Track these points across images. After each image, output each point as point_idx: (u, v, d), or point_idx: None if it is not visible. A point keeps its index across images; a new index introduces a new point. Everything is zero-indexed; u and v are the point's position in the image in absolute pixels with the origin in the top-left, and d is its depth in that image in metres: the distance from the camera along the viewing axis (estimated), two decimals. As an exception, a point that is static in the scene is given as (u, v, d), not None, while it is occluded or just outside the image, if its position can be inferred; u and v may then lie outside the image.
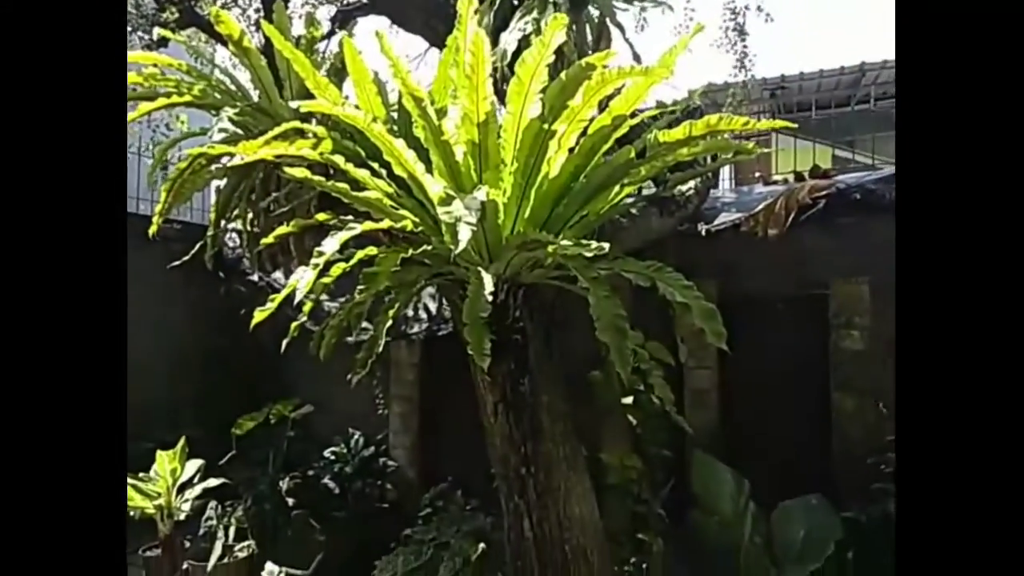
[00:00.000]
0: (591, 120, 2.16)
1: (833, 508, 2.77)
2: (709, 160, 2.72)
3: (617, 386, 4.76)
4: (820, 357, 4.53)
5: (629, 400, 4.81)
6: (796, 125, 2.08)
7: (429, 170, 2.20)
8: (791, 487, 3.69)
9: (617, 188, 2.47)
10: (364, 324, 2.52)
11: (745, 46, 4.63)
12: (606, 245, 1.84)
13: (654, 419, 4.85)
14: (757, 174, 6.76)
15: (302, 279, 2.00)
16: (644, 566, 3.58)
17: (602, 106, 2.12)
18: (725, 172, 9.23)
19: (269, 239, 2.59)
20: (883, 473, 3.74)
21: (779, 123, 2.10)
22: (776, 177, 4.49)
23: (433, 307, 5.18)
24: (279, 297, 2.16)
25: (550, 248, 2.09)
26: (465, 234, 1.69)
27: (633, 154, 2.17)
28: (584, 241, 1.94)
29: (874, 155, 5.83)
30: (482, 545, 2.89)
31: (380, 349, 2.23)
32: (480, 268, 2.15)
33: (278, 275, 5.79)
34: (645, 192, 3.74)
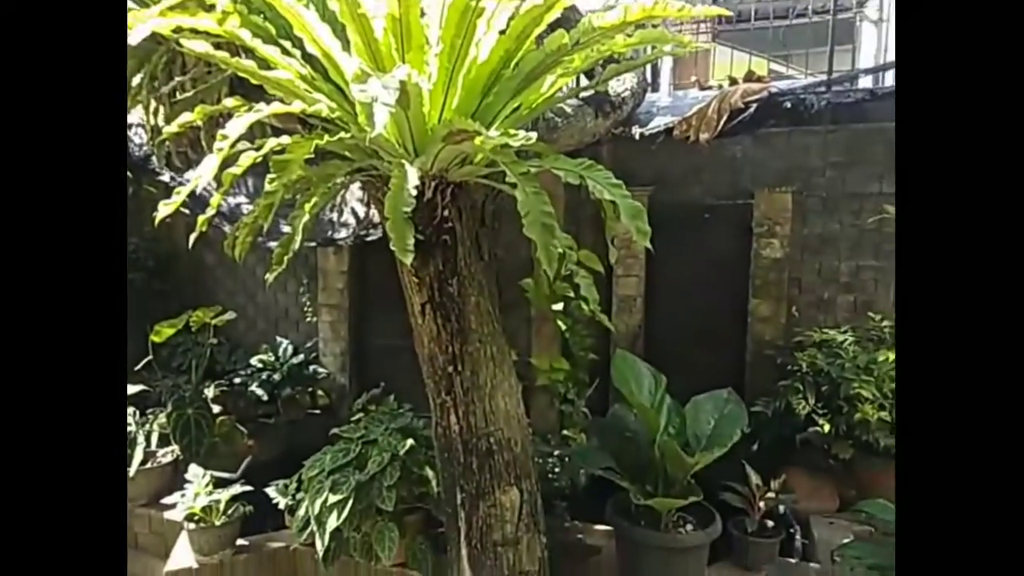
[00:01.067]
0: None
1: (740, 401, 2.97)
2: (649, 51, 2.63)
3: (547, 292, 4.84)
4: (742, 264, 4.72)
5: (559, 306, 4.91)
6: (732, 14, 2.00)
7: (346, 49, 2.02)
8: (708, 384, 3.94)
9: (551, 79, 2.35)
10: (285, 229, 2.38)
11: None
12: (533, 135, 1.76)
13: (582, 324, 5.00)
14: (693, 78, 6.71)
15: (205, 166, 1.83)
16: (567, 459, 3.78)
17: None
18: (665, 78, 9.14)
19: (172, 129, 2.34)
20: (788, 372, 4.03)
21: (716, 10, 2.01)
22: (712, 83, 4.47)
23: (362, 212, 4.99)
24: (184, 190, 1.99)
25: (478, 140, 1.99)
26: (382, 116, 1.56)
27: (567, 39, 2.05)
28: (511, 131, 1.84)
29: (807, 70, 5.87)
30: (410, 440, 2.94)
31: (297, 246, 2.12)
32: (404, 161, 2.03)
33: (193, 174, 5.38)
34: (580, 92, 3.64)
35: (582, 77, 3.34)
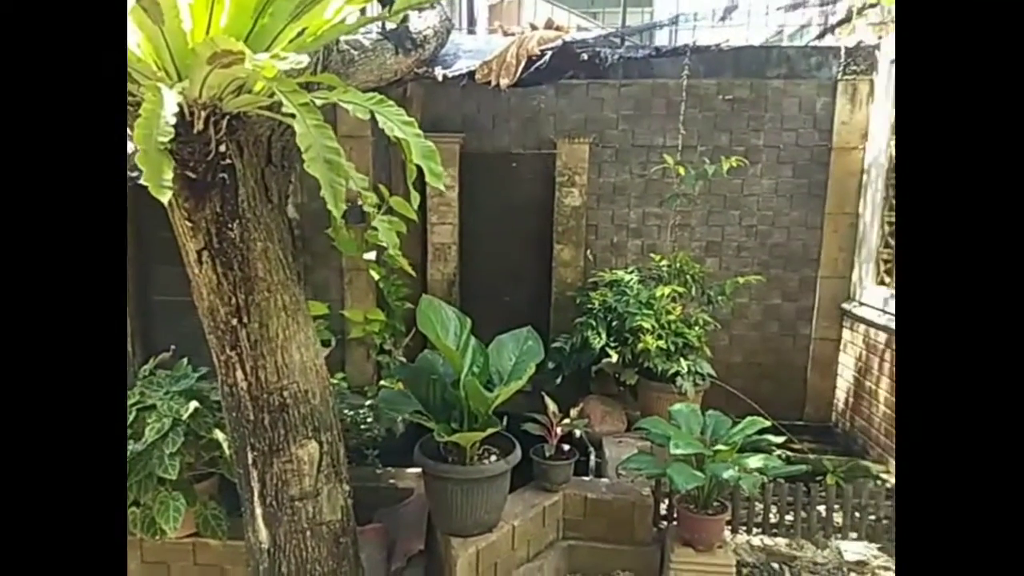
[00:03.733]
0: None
1: (538, 338, 3.15)
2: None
3: (354, 239, 4.66)
4: (547, 211, 4.96)
5: (371, 256, 4.77)
6: None
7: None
8: (518, 324, 4.14)
9: (336, 3, 2.17)
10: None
11: None
12: (304, 58, 1.61)
13: (397, 274, 4.93)
14: (496, 24, 6.76)
15: None
16: (378, 408, 3.75)
17: None
18: (483, 25, 9.10)
19: None
20: (583, 309, 4.38)
21: None
22: (514, 29, 4.53)
23: (132, 148, 4.30)
24: None
25: (247, 63, 1.78)
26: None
27: (345, -41, 1.89)
28: (281, 54, 1.67)
29: (624, 16, 6.09)
30: (195, 403, 2.68)
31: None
32: (159, 84, 1.76)
33: None
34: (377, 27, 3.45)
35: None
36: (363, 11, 3.30)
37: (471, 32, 7.23)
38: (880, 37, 4.37)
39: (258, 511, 2.37)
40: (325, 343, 5.22)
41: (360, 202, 3.39)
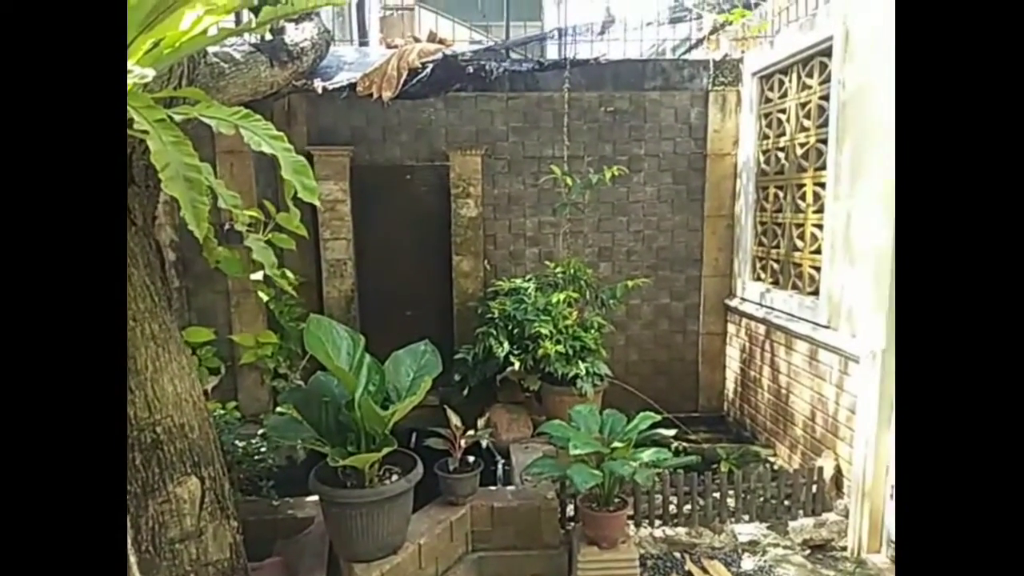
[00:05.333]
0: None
1: (436, 350, 3.12)
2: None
3: (245, 262, 4.42)
4: (445, 222, 4.94)
5: (258, 276, 4.54)
6: None
7: None
8: (419, 337, 4.08)
9: (192, 15, 2.06)
10: None
11: None
12: (149, 72, 1.51)
13: (287, 293, 4.72)
14: (398, 39, 6.69)
15: None
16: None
17: None
18: (374, 39, 8.97)
19: None
20: (485, 319, 4.40)
21: None
22: (397, 41, 4.50)
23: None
24: None
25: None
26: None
27: (199, -32, 1.80)
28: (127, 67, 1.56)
29: (507, 30, 6.22)
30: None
31: None
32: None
33: None
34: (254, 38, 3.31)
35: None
36: (238, 20, 3.18)
37: (363, 44, 7.10)
38: (742, 51, 4.74)
39: (132, 560, 2.18)
40: (213, 371, 4.91)
41: (231, 222, 3.24)
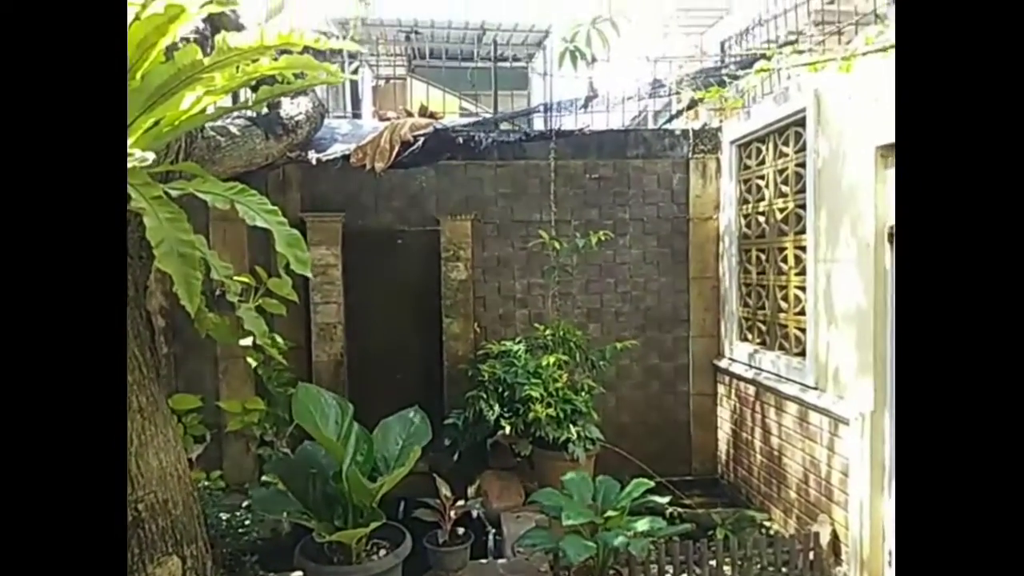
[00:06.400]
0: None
1: (425, 417, 3.10)
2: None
3: (235, 328, 4.41)
4: (435, 285, 4.99)
5: (247, 341, 4.52)
6: (364, 50, 2.09)
7: None
8: (410, 403, 4.05)
9: (192, 96, 2.15)
10: None
11: None
12: (150, 155, 1.57)
13: (276, 359, 4.69)
14: (391, 112, 6.93)
15: None
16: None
17: None
18: (367, 111, 9.28)
19: None
20: (475, 382, 4.38)
21: (349, 44, 2.08)
22: (390, 114, 4.67)
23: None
24: None
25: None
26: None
27: (199, 56, 1.90)
28: (128, 149, 1.62)
29: (495, 104, 6.51)
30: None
31: None
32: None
33: None
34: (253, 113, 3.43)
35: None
36: (235, 98, 3.30)
37: (356, 116, 7.35)
38: (720, 121, 4.95)
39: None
40: (198, 439, 4.80)
41: (222, 289, 3.26)
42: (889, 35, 1.88)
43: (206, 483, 3.69)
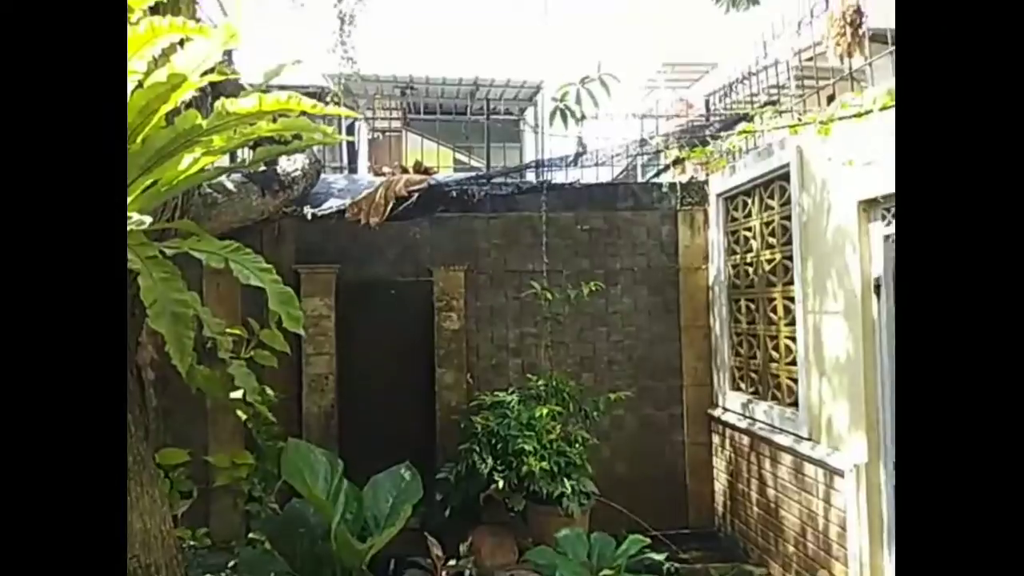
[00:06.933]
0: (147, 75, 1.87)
1: (416, 473, 3.06)
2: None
3: (224, 381, 4.38)
4: (428, 335, 4.99)
5: (238, 394, 4.48)
6: (361, 116, 2.17)
7: None
8: (401, 456, 3.99)
9: (190, 158, 2.20)
10: None
11: (343, 42, 4.79)
12: (147, 219, 1.61)
13: (264, 408, 4.63)
14: (386, 167, 7.08)
15: None
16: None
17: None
18: (363, 163, 9.49)
19: None
20: (468, 434, 4.33)
21: (345, 112, 2.16)
22: (385, 169, 4.77)
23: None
24: None
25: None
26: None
27: (200, 120, 1.96)
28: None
29: (488, 159, 6.68)
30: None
31: None
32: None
33: None
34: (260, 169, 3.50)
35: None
36: (232, 157, 3.37)
37: (352, 170, 7.51)
38: (707, 174, 5.09)
39: None
40: (185, 494, 4.69)
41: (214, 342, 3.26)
42: (865, 100, 1.98)
43: (192, 543, 3.59)
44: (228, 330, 3.43)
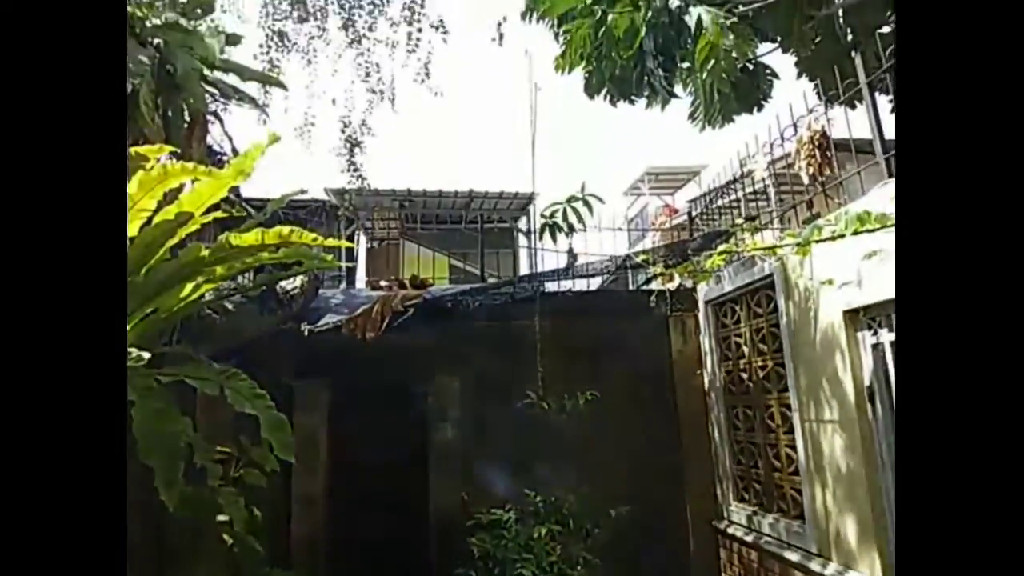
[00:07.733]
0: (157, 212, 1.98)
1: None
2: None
3: (210, 503, 4.21)
4: (423, 445, 4.87)
5: (224, 517, 4.30)
6: (351, 244, 2.26)
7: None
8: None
9: (192, 285, 2.28)
10: None
11: (352, 159, 5.07)
12: (146, 355, 1.64)
13: (251, 537, 4.42)
14: (383, 281, 7.24)
15: None
16: None
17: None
18: (361, 274, 9.73)
19: None
20: (465, 556, 4.13)
21: (342, 243, 2.26)
22: (382, 283, 4.88)
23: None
24: None
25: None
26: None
27: (205, 252, 2.05)
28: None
29: (482, 269, 6.87)
30: None
31: None
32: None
33: None
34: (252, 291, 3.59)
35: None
36: (234, 277, 3.45)
37: (350, 283, 7.67)
38: (695, 282, 5.22)
39: None
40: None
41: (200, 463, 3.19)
42: (838, 223, 2.10)
43: None
44: (219, 448, 3.36)
